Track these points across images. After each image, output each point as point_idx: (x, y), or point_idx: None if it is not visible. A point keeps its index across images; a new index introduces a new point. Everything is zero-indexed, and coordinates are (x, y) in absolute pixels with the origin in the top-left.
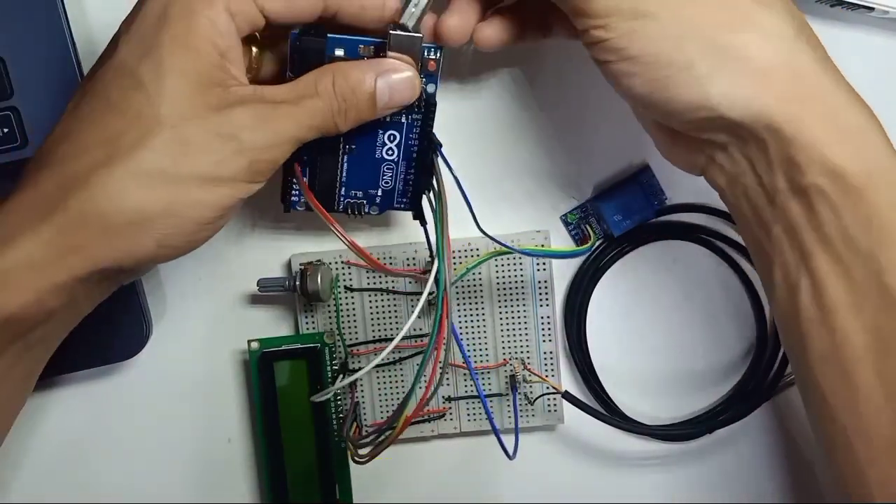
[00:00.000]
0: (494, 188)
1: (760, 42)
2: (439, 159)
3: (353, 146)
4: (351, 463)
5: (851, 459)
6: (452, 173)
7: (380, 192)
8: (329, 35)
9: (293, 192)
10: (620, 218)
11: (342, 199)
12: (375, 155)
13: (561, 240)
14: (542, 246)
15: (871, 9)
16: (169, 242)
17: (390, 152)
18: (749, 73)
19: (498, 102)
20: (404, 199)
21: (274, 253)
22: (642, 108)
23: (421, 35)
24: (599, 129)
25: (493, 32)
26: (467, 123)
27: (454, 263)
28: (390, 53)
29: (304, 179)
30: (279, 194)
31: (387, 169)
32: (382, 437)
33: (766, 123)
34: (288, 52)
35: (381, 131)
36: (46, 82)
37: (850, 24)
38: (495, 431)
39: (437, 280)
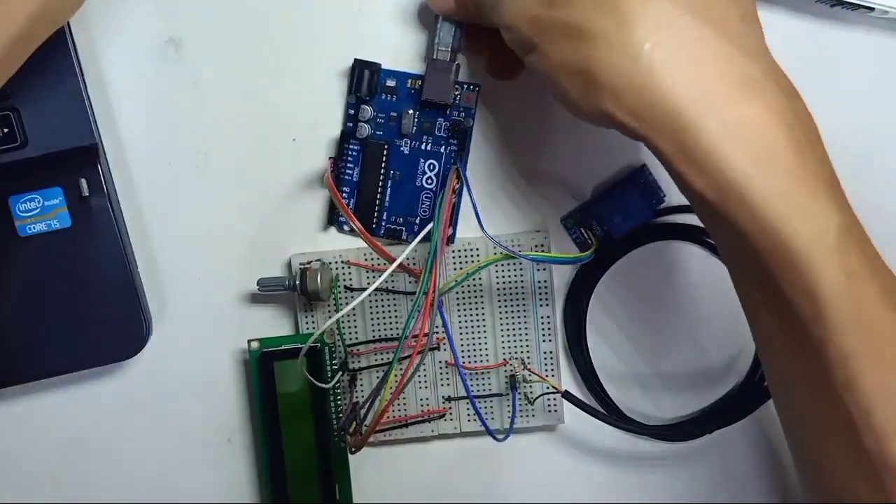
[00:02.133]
0: (493, 189)
1: (605, 55)
2: (459, 170)
3: (398, 172)
4: (351, 463)
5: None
6: (468, 186)
7: (418, 220)
8: (382, 67)
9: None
10: (621, 220)
11: (383, 224)
12: (416, 182)
13: (561, 242)
14: (542, 246)
15: (871, 9)
16: None
17: (429, 181)
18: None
19: (496, 105)
20: None
21: (274, 253)
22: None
23: (458, 63)
24: (596, 130)
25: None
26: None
27: (455, 265)
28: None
29: (343, 200)
30: (276, 193)
31: (425, 197)
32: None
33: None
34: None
35: (422, 159)
36: (46, 82)
37: (850, 24)
38: (480, 418)
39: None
